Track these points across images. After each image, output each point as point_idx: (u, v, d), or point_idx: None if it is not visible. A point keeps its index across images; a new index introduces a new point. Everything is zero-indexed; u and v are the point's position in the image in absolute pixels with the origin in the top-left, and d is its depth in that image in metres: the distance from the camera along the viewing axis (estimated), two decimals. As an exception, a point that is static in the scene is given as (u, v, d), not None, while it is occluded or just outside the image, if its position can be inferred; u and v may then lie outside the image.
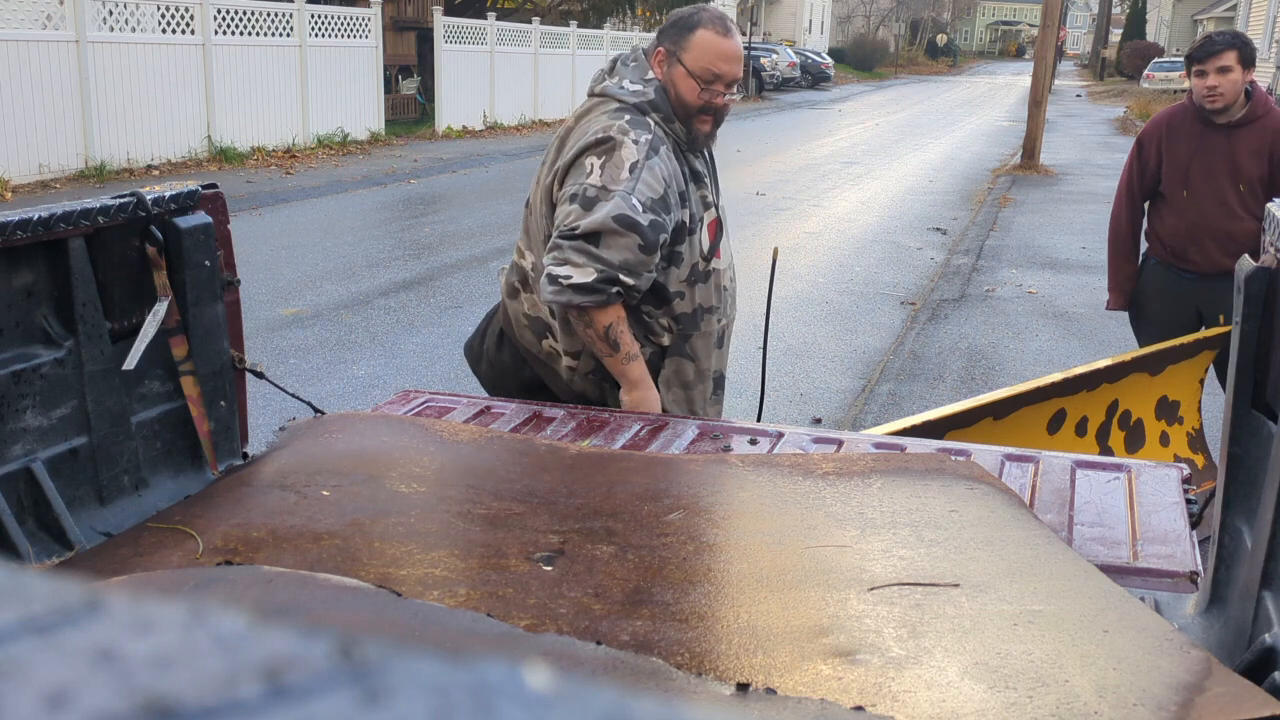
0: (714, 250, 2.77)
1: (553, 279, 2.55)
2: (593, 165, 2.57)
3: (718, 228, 2.82)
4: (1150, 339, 4.42)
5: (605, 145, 2.58)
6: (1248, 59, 4.09)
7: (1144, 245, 4.56)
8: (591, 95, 2.78)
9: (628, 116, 2.63)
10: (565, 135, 2.74)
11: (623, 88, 2.70)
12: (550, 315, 2.77)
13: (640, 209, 2.53)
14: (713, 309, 2.78)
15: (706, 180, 2.77)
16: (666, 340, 2.74)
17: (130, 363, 2.31)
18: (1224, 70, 4.05)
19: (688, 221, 2.67)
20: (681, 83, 2.68)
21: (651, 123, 2.64)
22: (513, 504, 2.12)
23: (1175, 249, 4.31)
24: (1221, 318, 4.27)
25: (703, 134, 2.74)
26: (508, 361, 2.98)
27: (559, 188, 2.66)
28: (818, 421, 5.52)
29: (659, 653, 1.56)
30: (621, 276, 2.54)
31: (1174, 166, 4.28)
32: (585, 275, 2.52)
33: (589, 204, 2.54)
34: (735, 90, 2.76)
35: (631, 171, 2.54)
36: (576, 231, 2.53)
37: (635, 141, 2.58)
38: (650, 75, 2.71)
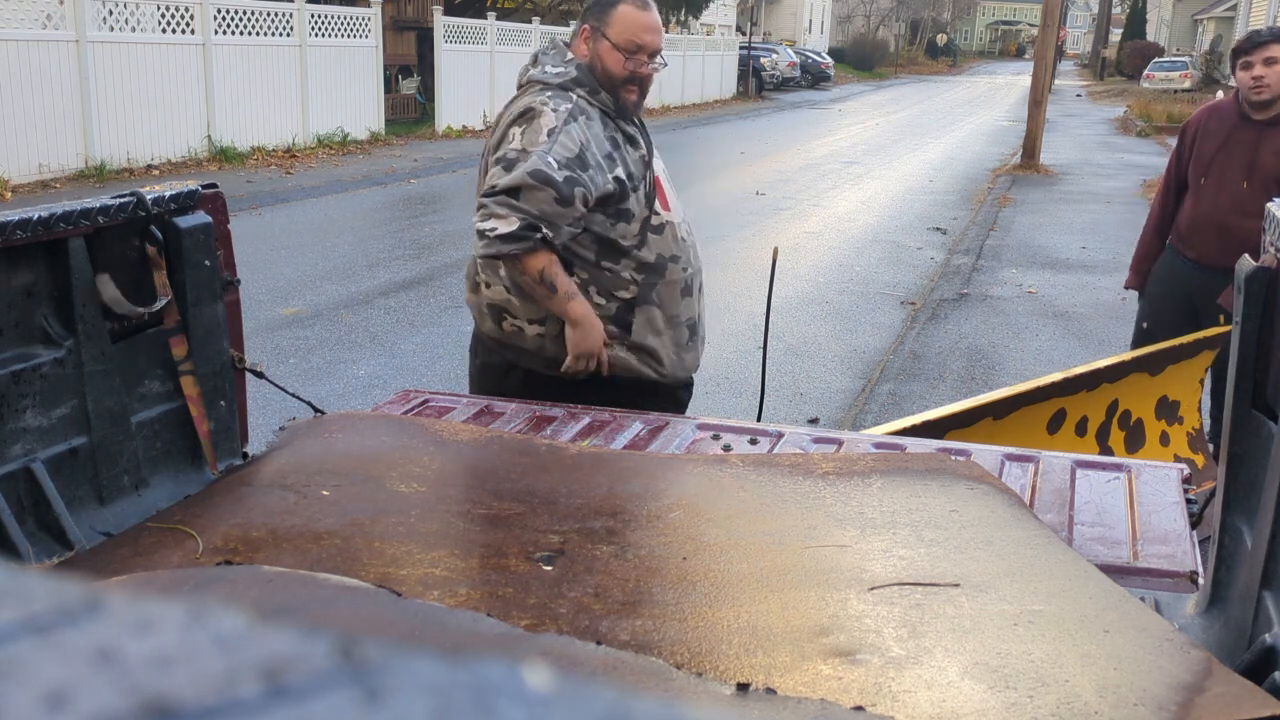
0: (657, 203, 2.93)
1: (481, 234, 2.73)
2: (514, 134, 2.78)
3: (664, 184, 3.00)
4: (1143, 317, 4.65)
5: (526, 115, 2.79)
6: None
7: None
8: (519, 87, 2.96)
9: (549, 92, 2.83)
10: (498, 123, 2.91)
11: (546, 72, 2.89)
12: (506, 292, 2.90)
13: (555, 166, 2.69)
14: (675, 258, 2.93)
15: (640, 142, 2.94)
16: (634, 290, 2.88)
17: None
18: (1270, 61, 4.04)
19: (627, 180, 2.83)
20: (608, 56, 2.85)
21: (575, 96, 2.82)
22: (513, 504, 2.12)
23: (1183, 235, 4.40)
24: (1221, 319, 4.27)
25: (631, 102, 2.91)
26: (476, 371, 3.12)
27: (490, 161, 2.86)
28: (814, 421, 5.52)
29: (659, 653, 1.56)
30: (541, 225, 2.69)
31: (1201, 155, 4.33)
32: (509, 225, 2.69)
33: (510, 165, 2.73)
34: (659, 60, 2.93)
35: (549, 135, 2.73)
36: (497, 189, 2.71)
37: (555, 110, 2.76)
38: (570, 57, 2.90)
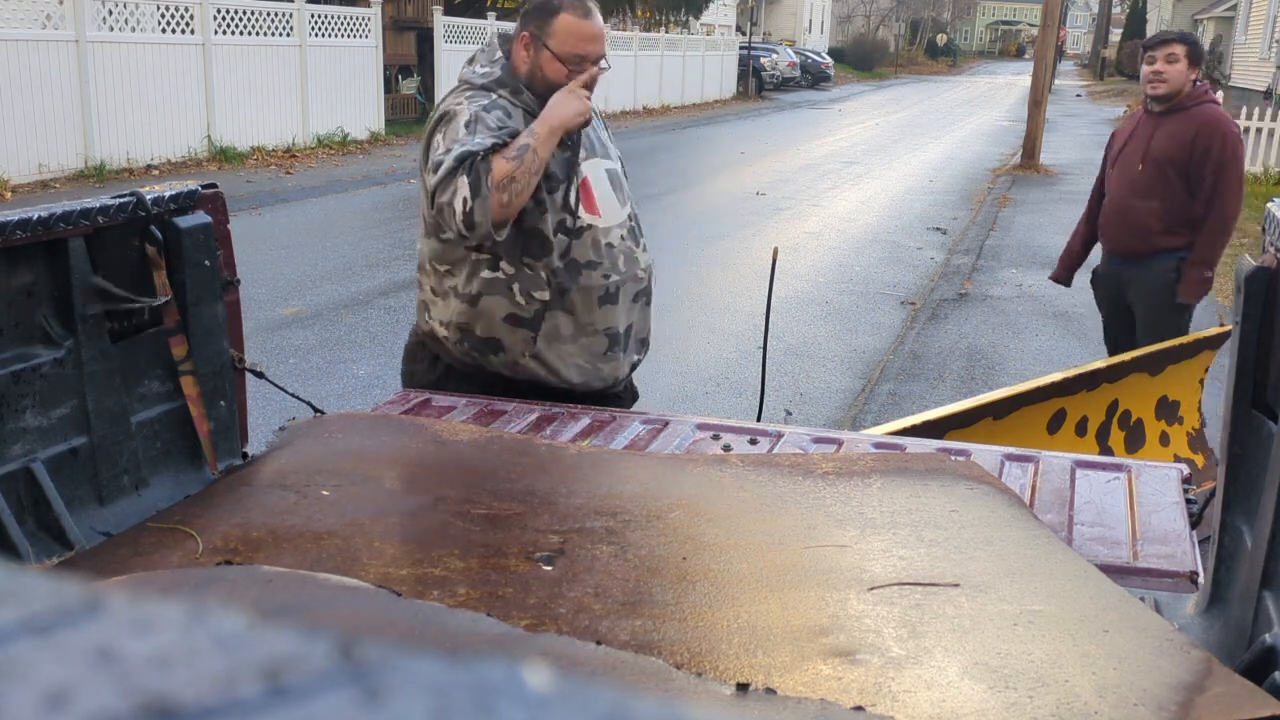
0: (581, 206, 2.85)
1: (462, 215, 2.59)
2: (438, 141, 2.74)
3: (594, 187, 2.90)
4: (1102, 320, 4.86)
5: (444, 119, 2.76)
6: (1195, 56, 4.32)
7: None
8: (455, 87, 2.93)
9: (469, 93, 2.80)
10: (426, 131, 2.88)
11: (475, 72, 2.86)
12: (433, 293, 2.91)
13: (483, 139, 2.63)
14: (593, 264, 2.84)
15: (568, 144, 2.84)
16: (547, 295, 2.82)
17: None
18: (1172, 59, 4.29)
19: (544, 181, 2.75)
20: (548, 66, 2.79)
21: (495, 96, 2.78)
22: (513, 504, 2.12)
23: (1101, 228, 4.68)
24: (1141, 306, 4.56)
25: None
26: (419, 360, 3.09)
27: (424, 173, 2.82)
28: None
29: (659, 653, 1.56)
30: (473, 147, 2.59)
31: (1112, 150, 4.65)
32: (462, 189, 2.57)
33: (438, 166, 2.68)
34: (603, 64, 2.87)
35: (467, 127, 2.69)
36: (434, 184, 2.65)
37: (470, 108, 2.73)
38: (497, 57, 2.85)
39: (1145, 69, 4.38)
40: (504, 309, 2.82)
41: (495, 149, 2.63)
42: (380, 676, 0.28)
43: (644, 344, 3.07)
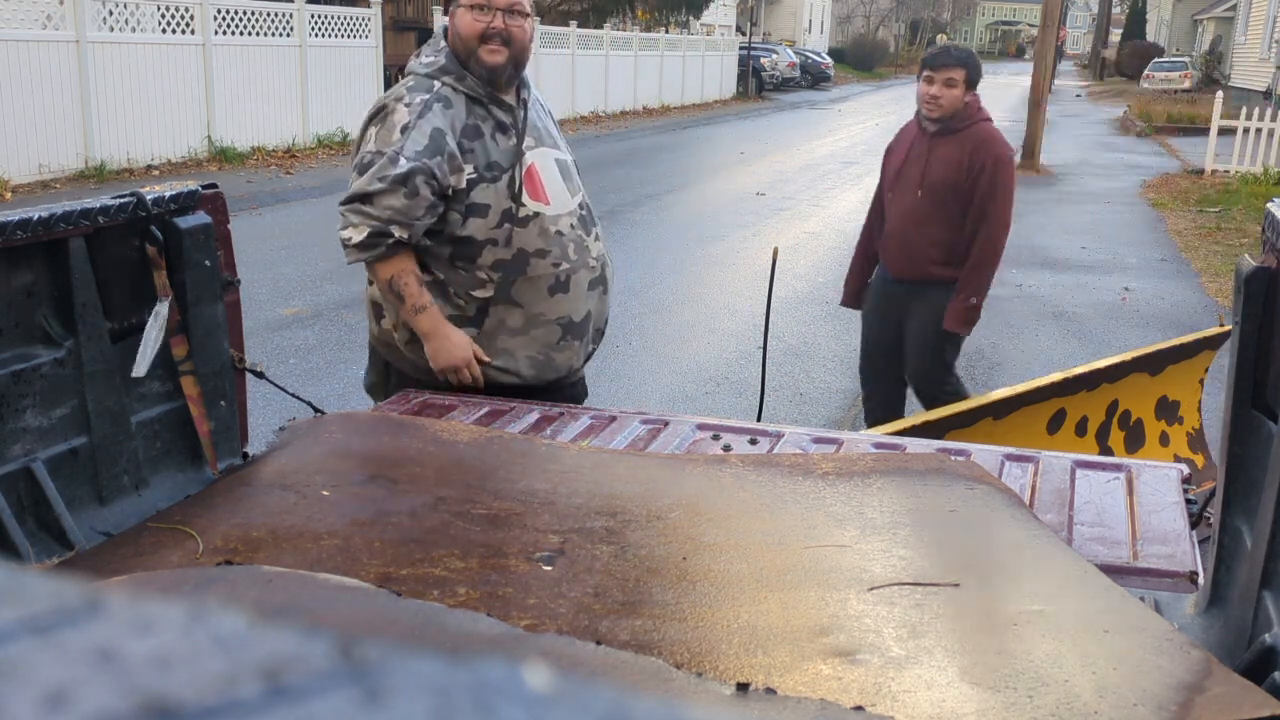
0: (526, 194, 2.82)
1: (343, 244, 2.76)
2: (371, 134, 2.76)
3: (541, 174, 2.87)
4: (863, 335, 4.59)
5: (380, 114, 2.76)
6: (973, 79, 4.14)
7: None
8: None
9: (410, 83, 2.79)
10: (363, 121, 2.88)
11: (421, 63, 2.85)
12: (376, 292, 2.89)
13: (406, 163, 2.67)
14: (542, 252, 2.81)
15: (513, 131, 2.83)
16: (490, 291, 2.80)
17: (140, 369, 2.32)
18: (950, 84, 4.09)
19: (484, 170, 2.76)
20: (460, 20, 2.78)
21: (437, 85, 2.77)
22: (513, 504, 2.12)
23: (881, 248, 4.41)
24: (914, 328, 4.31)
25: (496, 64, 2.77)
26: (367, 372, 3.10)
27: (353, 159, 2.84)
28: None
29: (659, 653, 1.56)
30: (393, 230, 2.69)
31: (888, 171, 4.40)
32: (360, 234, 2.71)
33: (363, 169, 2.73)
34: (523, 19, 2.81)
35: (403, 132, 2.70)
36: (351, 195, 2.73)
37: (408, 105, 2.72)
38: (441, 45, 2.84)
39: (923, 88, 4.13)
40: (443, 311, 2.80)
41: (407, 240, 2.71)
42: (380, 676, 0.28)
43: (600, 334, 3.04)
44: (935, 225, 4.15)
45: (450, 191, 2.72)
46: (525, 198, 2.79)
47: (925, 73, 4.13)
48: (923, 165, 4.17)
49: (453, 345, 2.78)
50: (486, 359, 2.84)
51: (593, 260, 2.92)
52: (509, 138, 2.81)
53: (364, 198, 2.71)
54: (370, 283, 2.92)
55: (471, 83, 2.78)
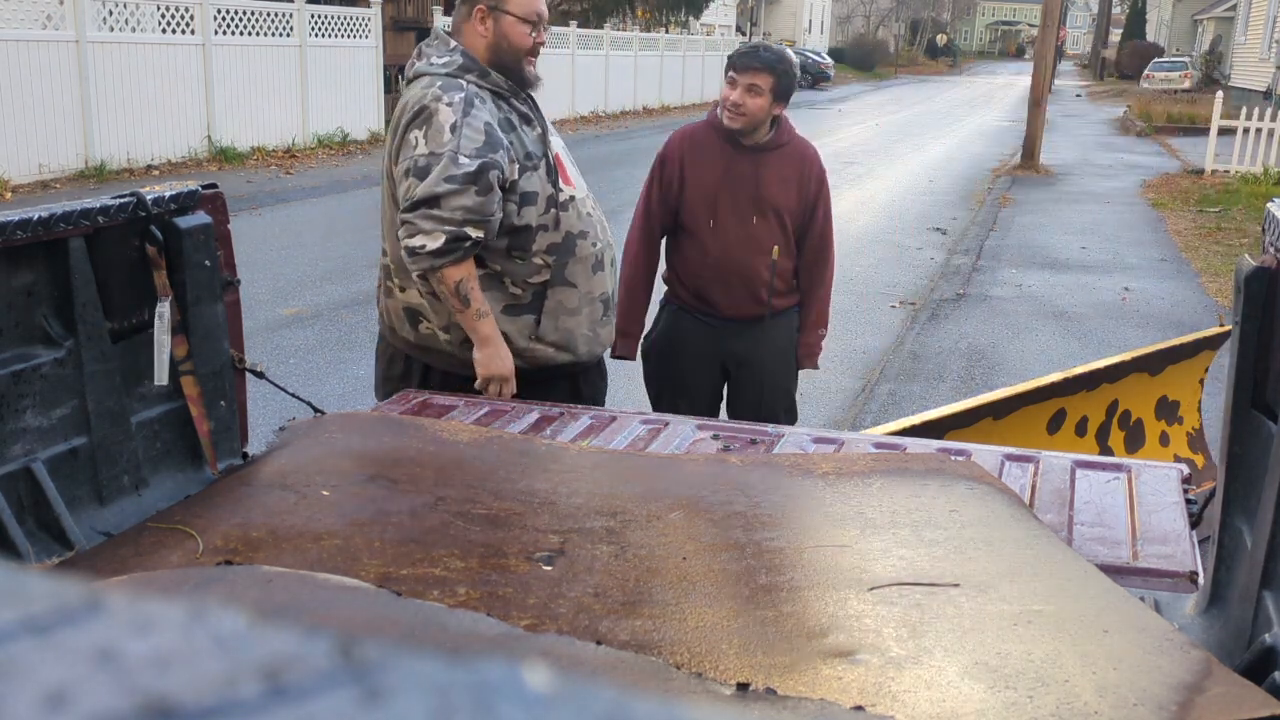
0: (560, 179, 2.91)
1: (410, 252, 2.73)
2: (417, 138, 2.75)
3: (564, 160, 2.99)
4: (673, 400, 3.66)
5: (423, 115, 2.75)
6: (783, 91, 3.46)
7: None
8: (407, 82, 2.95)
9: (440, 83, 2.80)
10: (395, 125, 2.88)
11: (432, 64, 2.86)
12: (421, 296, 2.90)
13: (469, 161, 2.69)
14: (584, 233, 2.92)
15: (536, 121, 2.93)
16: (546, 275, 2.87)
17: (160, 376, 2.33)
18: (754, 90, 3.41)
19: (527, 159, 2.83)
20: (512, 30, 2.86)
21: (465, 83, 2.80)
22: (513, 504, 2.12)
23: (698, 290, 3.59)
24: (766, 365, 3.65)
25: (534, 75, 2.94)
26: (384, 376, 3.12)
27: (396, 168, 2.84)
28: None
29: (659, 653, 1.56)
30: (468, 230, 2.70)
31: (701, 194, 3.53)
32: (436, 240, 2.70)
33: (422, 173, 2.72)
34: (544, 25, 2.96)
35: (453, 132, 2.71)
36: (417, 200, 2.71)
37: (449, 104, 2.74)
38: (453, 45, 2.87)
39: (725, 90, 3.46)
40: (500, 301, 2.85)
41: (483, 240, 2.73)
42: (380, 676, 0.28)
43: (615, 309, 3.17)
44: (775, 252, 3.55)
45: (507, 183, 2.78)
46: (560, 183, 2.90)
47: (729, 73, 3.45)
48: (753, 186, 3.50)
49: (505, 356, 2.84)
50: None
51: (610, 239, 3.06)
52: (534, 128, 2.90)
53: (431, 201, 2.69)
54: (400, 290, 2.93)
55: (495, 79, 2.86)
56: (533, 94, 2.98)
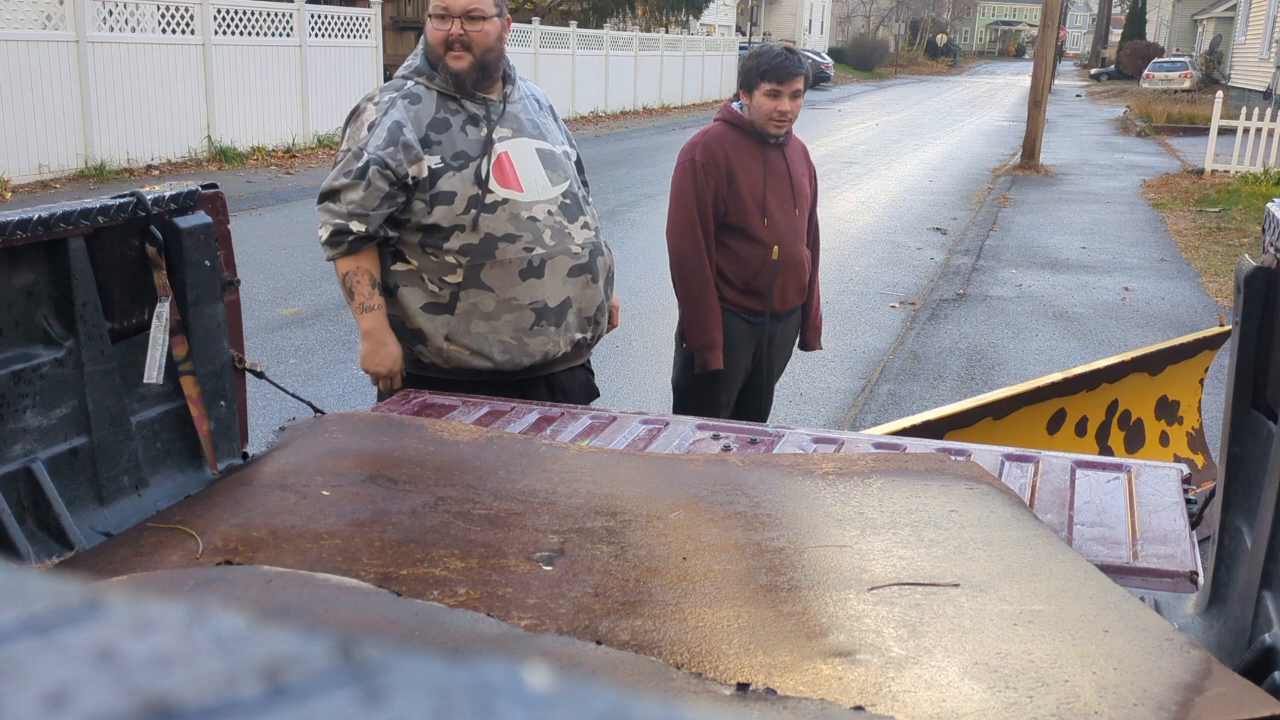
0: (494, 180, 2.89)
1: (319, 231, 2.89)
2: (347, 134, 2.94)
3: (515, 163, 2.94)
4: (720, 401, 3.68)
5: (354, 114, 2.94)
6: (808, 83, 3.64)
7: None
8: None
9: (385, 84, 2.97)
10: None
11: (404, 66, 3.02)
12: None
13: (367, 157, 2.81)
14: (512, 237, 2.87)
15: (484, 122, 2.93)
16: (460, 275, 2.87)
17: (153, 375, 2.34)
18: (796, 95, 3.53)
19: (449, 160, 2.86)
20: (428, 30, 2.95)
21: (409, 83, 2.93)
22: (513, 504, 2.12)
23: (752, 287, 3.61)
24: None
25: (461, 70, 2.89)
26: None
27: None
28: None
29: (659, 653, 1.56)
30: (351, 224, 2.82)
31: (750, 191, 3.56)
32: (325, 231, 2.86)
33: (333, 167, 2.90)
34: (482, 23, 2.89)
35: (370, 129, 2.86)
36: (320, 193, 2.89)
37: (376, 103, 2.90)
38: (419, 48, 3.01)
39: (767, 102, 3.48)
40: (420, 298, 2.89)
41: (367, 233, 2.83)
42: (380, 676, 0.28)
43: (591, 322, 3.04)
44: (808, 241, 3.78)
45: (412, 181, 2.84)
46: (494, 184, 2.88)
47: (768, 85, 3.47)
48: (787, 181, 3.62)
49: (385, 353, 2.89)
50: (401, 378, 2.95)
51: (575, 247, 2.96)
52: (479, 129, 2.91)
53: (330, 194, 2.85)
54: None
55: (441, 80, 2.92)
56: (506, 94, 2.97)
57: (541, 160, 2.98)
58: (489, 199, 2.86)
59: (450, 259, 2.85)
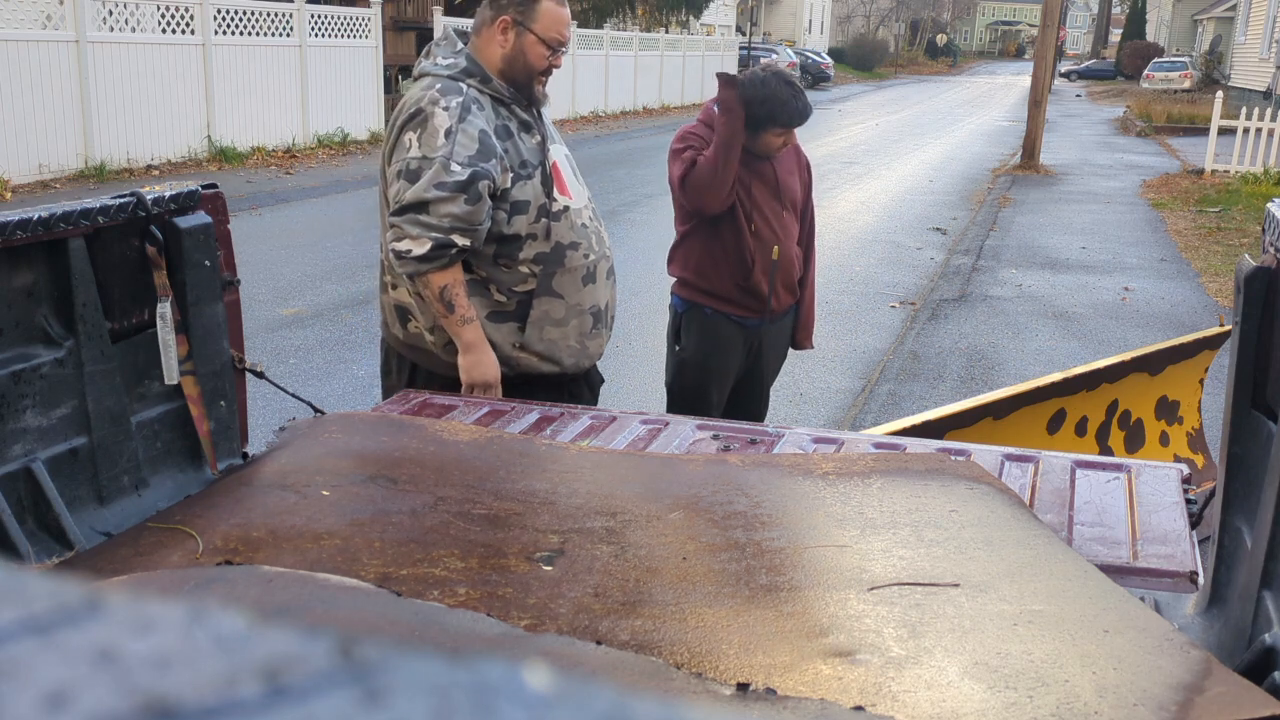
0: (555, 188, 2.90)
1: (398, 255, 2.73)
2: (411, 140, 2.74)
3: (561, 170, 2.97)
4: (711, 401, 3.71)
5: (418, 118, 2.75)
6: None
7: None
8: (413, 81, 2.94)
9: (439, 85, 2.79)
10: (392, 124, 2.87)
11: (437, 64, 2.86)
12: (408, 295, 2.90)
13: (460, 169, 2.69)
14: (575, 244, 2.90)
15: (536, 129, 2.92)
16: (531, 284, 2.86)
17: (170, 376, 2.34)
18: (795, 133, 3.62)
19: (520, 168, 2.82)
20: (531, 49, 2.86)
21: (464, 87, 2.80)
22: (513, 504, 2.12)
23: (746, 286, 3.62)
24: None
25: (540, 92, 2.93)
26: (383, 374, 3.13)
27: (389, 168, 2.83)
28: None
29: (659, 653, 1.56)
30: (454, 238, 2.70)
31: (747, 187, 3.57)
32: (422, 246, 2.70)
33: (413, 176, 2.71)
34: (563, 50, 2.96)
35: (447, 137, 2.71)
36: (406, 204, 2.71)
37: (446, 108, 2.73)
38: (460, 48, 2.88)
39: (775, 142, 3.53)
40: (485, 307, 2.85)
41: (469, 248, 2.72)
42: (380, 676, 0.28)
43: (613, 321, 3.14)
44: (799, 241, 3.76)
45: (498, 191, 2.77)
46: (555, 192, 2.88)
47: (775, 129, 3.49)
48: (773, 182, 3.61)
49: (489, 363, 2.83)
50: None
51: (608, 250, 3.04)
52: (533, 136, 2.90)
53: (420, 206, 2.69)
54: (393, 287, 2.95)
55: (497, 85, 2.85)
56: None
57: (570, 167, 3.03)
58: (554, 207, 2.86)
59: (524, 269, 2.84)
